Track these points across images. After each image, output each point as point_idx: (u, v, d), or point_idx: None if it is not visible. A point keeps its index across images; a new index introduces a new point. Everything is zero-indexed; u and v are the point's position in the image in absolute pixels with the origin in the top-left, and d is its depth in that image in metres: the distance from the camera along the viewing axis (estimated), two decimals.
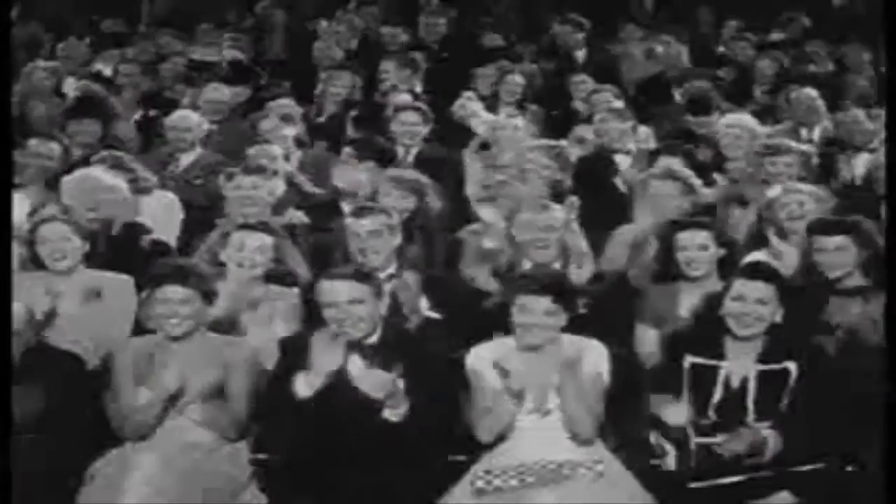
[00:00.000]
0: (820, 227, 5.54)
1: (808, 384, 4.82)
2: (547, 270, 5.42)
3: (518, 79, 9.23)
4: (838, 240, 5.42)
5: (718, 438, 4.77)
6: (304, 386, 4.75)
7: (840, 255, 5.41)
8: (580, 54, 10.51)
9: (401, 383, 4.73)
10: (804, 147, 7.29)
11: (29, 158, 7.22)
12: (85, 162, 7.08)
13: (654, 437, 4.85)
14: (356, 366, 4.76)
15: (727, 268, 5.46)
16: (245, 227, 5.72)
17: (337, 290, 4.87)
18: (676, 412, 4.81)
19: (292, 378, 4.78)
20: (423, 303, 5.56)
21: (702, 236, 5.59)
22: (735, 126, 7.62)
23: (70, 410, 4.85)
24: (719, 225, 5.84)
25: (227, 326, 5.36)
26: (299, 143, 7.95)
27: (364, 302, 4.86)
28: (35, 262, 5.66)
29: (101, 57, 10.52)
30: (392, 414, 4.74)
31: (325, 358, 4.78)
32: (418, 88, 9.43)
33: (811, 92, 8.52)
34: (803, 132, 8.25)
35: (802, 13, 11.35)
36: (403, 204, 6.29)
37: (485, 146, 7.94)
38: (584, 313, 5.20)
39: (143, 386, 4.88)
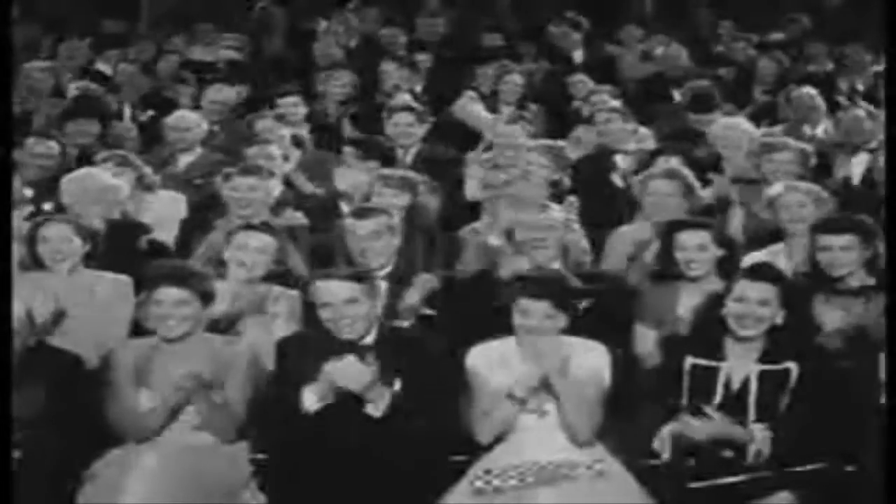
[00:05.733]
0: (825, 226, 5.53)
1: (809, 384, 4.81)
2: (547, 272, 5.41)
3: (518, 79, 9.23)
4: (844, 238, 5.41)
5: (691, 421, 4.77)
6: (312, 399, 4.76)
7: (845, 254, 5.41)
8: (579, 54, 10.51)
9: (374, 372, 4.71)
10: (802, 145, 7.29)
11: (29, 158, 7.23)
12: (84, 161, 7.09)
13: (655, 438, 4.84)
14: (333, 361, 4.76)
15: (727, 268, 5.45)
16: (247, 227, 5.72)
17: (332, 291, 4.87)
18: (701, 427, 4.79)
19: (293, 382, 4.79)
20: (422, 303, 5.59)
21: (701, 236, 5.59)
22: (731, 128, 7.61)
23: (70, 410, 4.85)
24: (719, 225, 5.83)
25: (227, 326, 5.36)
26: (298, 143, 7.95)
27: (359, 302, 4.87)
28: (35, 263, 5.66)
29: (101, 57, 10.52)
30: (374, 408, 4.73)
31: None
32: (418, 88, 9.43)
33: (811, 91, 8.52)
34: (804, 130, 8.25)
35: (802, 13, 11.36)
36: (397, 201, 6.28)
37: (486, 147, 7.95)
38: (584, 313, 5.19)
39: (143, 387, 4.88)
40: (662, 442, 4.77)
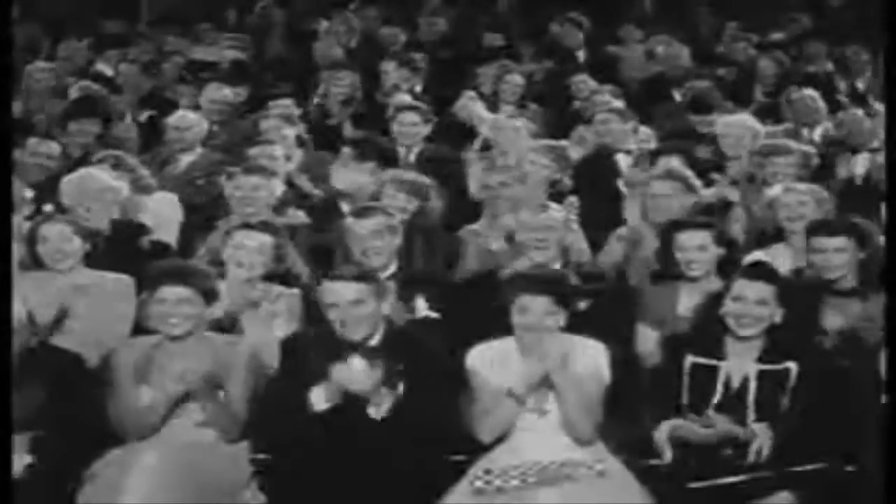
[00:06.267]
0: (820, 228, 5.54)
1: (808, 384, 4.82)
2: (547, 270, 5.42)
3: (518, 79, 9.23)
4: (837, 241, 5.43)
5: (693, 424, 4.77)
6: (320, 399, 4.76)
7: (838, 256, 5.42)
8: (580, 54, 10.51)
9: (379, 375, 4.71)
10: (804, 147, 7.30)
11: (29, 158, 7.23)
12: (85, 161, 7.09)
13: (655, 437, 4.84)
14: (340, 364, 4.76)
15: (727, 268, 5.46)
16: (246, 226, 5.72)
17: (339, 291, 4.87)
18: (702, 429, 4.80)
19: (298, 381, 4.79)
20: (422, 303, 5.57)
21: (702, 236, 5.59)
22: (735, 126, 7.62)
23: (70, 410, 4.85)
24: (719, 225, 5.83)
25: (227, 326, 5.36)
26: (300, 143, 7.96)
27: (366, 303, 4.86)
28: (35, 262, 5.66)
29: (102, 57, 10.53)
30: (377, 411, 4.73)
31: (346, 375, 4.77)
32: (418, 88, 9.43)
33: (812, 92, 8.53)
34: (804, 132, 8.25)
35: (802, 13, 11.36)
36: (406, 205, 6.29)
37: (485, 146, 7.95)
38: (584, 313, 5.20)
39: (144, 385, 4.88)
40: (662, 442, 4.77)
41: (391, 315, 5.07)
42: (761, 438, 4.70)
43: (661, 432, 4.78)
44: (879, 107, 8.47)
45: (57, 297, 5.45)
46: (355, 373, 4.71)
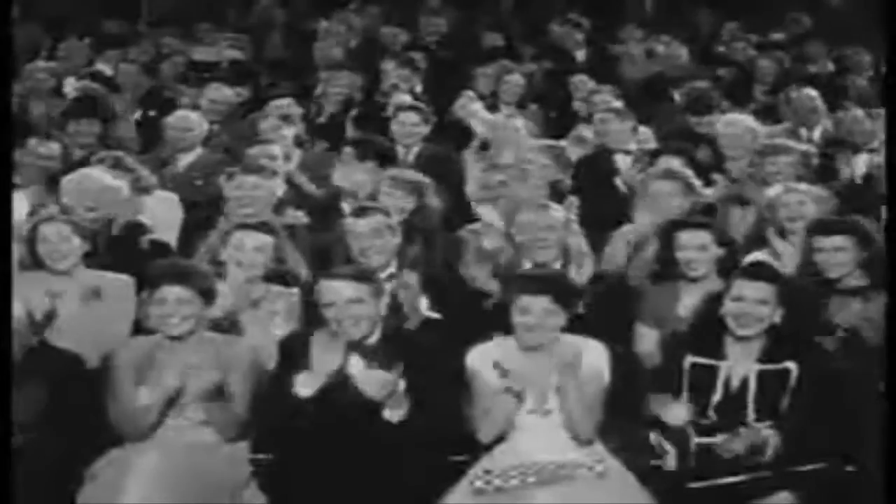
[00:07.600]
0: (820, 228, 5.55)
1: (808, 384, 4.82)
2: (547, 270, 5.42)
3: (518, 79, 9.24)
4: (838, 240, 5.43)
5: (718, 439, 4.77)
6: (305, 386, 4.76)
7: (840, 255, 5.42)
8: (580, 54, 10.52)
9: (401, 383, 4.73)
10: (804, 147, 7.30)
11: (29, 158, 7.23)
12: (85, 162, 7.09)
13: (654, 437, 4.84)
14: (356, 366, 4.78)
15: (727, 268, 5.46)
16: (245, 226, 5.72)
17: (337, 290, 4.87)
18: (676, 412, 4.81)
19: (293, 378, 4.79)
20: (424, 303, 5.56)
21: (702, 236, 5.59)
22: (735, 125, 7.62)
23: (70, 410, 4.85)
24: (719, 225, 5.83)
25: (228, 326, 5.36)
26: (299, 142, 7.96)
27: (364, 302, 4.86)
28: (35, 262, 5.66)
29: (102, 57, 10.53)
30: (393, 414, 4.74)
31: (325, 358, 4.80)
32: (418, 88, 9.44)
33: (811, 92, 8.53)
34: (803, 132, 8.26)
35: (802, 13, 11.37)
36: (403, 204, 6.29)
37: (484, 146, 7.95)
38: (584, 313, 5.20)
39: (143, 386, 4.88)
40: (662, 442, 4.78)
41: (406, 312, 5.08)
42: (774, 442, 4.71)
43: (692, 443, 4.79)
44: (879, 107, 8.47)
45: (51, 296, 5.45)
46: (371, 378, 4.72)
